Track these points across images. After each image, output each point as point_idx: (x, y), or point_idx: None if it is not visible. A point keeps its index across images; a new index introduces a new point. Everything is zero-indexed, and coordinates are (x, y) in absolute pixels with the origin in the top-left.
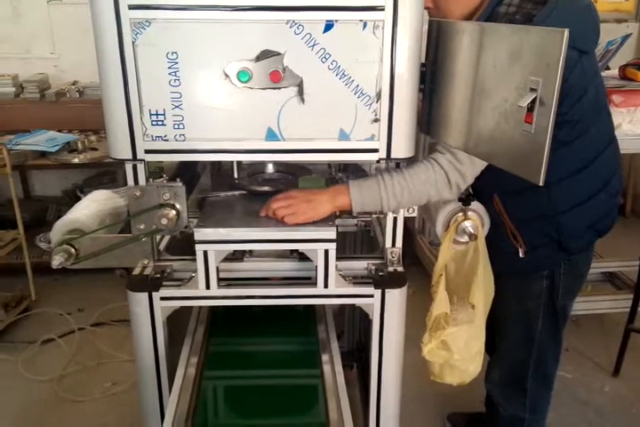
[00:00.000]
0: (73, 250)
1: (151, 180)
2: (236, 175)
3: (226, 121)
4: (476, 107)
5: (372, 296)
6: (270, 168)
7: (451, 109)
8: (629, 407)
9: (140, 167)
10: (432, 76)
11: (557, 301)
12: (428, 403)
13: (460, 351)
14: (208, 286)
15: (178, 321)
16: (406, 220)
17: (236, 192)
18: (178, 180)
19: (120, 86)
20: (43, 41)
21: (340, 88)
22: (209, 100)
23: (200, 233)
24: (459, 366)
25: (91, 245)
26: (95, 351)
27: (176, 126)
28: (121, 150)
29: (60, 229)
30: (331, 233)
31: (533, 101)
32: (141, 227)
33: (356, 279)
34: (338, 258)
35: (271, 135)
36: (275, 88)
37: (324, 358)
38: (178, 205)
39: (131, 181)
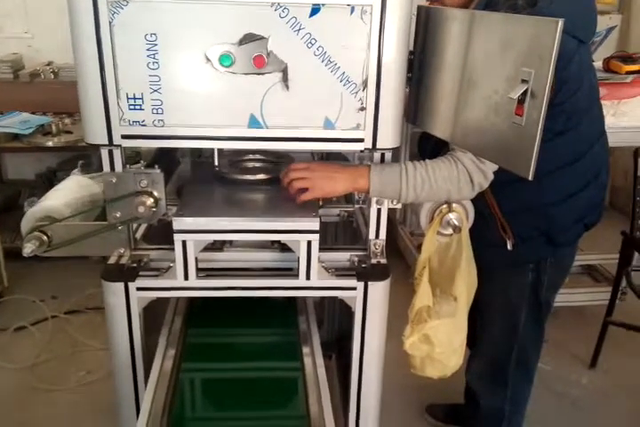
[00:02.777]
0: (45, 237)
1: (128, 166)
2: (216, 163)
3: (207, 107)
4: (464, 97)
5: (354, 289)
6: (252, 156)
7: (439, 99)
8: (606, 400)
9: (117, 153)
10: (420, 64)
11: (541, 294)
12: (406, 394)
13: (441, 345)
14: (187, 277)
15: (155, 311)
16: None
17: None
18: (156, 166)
19: (96, 68)
20: (16, 20)
21: (326, 75)
22: (189, 85)
23: (179, 222)
24: (440, 360)
25: (64, 232)
26: (69, 340)
27: (154, 111)
28: (96, 135)
29: (32, 216)
30: (314, 224)
31: (524, 93)
32: (117, 215)
33: (339, 271)
34: (320, 249)
35: (254, 122)
36: (258, 73)
37: (305, 350)
38: (156, 193)
39: (107, 167)
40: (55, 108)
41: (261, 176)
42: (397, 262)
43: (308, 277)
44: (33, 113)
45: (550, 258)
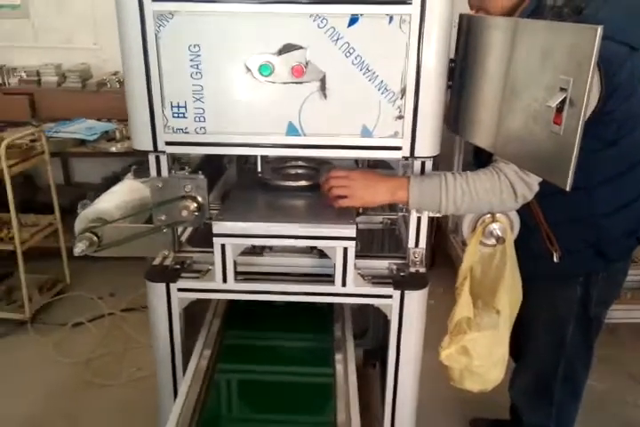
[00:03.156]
0: (95, 238)
1: (173, 171)
2: (259, 169)
3: (246, 115)
4: (505, 106)
5: (390, 297)
6: (295, 162)
7: (479, 108)
8: None
9: (163, 159)
10: (461, 72)
11: (591, 309)
12: (450, 407)
13: (480, 358)
14: (225, 280)
15: (197, 312)
16: (440, 218)
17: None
18: (200, 172)
19: (142, 78)
20: (85, 31)
21: (364, 84)
22: (230, 94)
23: (218, 226)
24: (479, 373)
25: (113, 234)
26: (123, 336)
27: (197, 119)
28: (142, 142)
29: (84, 217)
30: (350, 231)
31: (563, 102)
32: (163, 218)
33: (376, 279)
34: (359, 256)
35: (292, 130)
36: (297, 83)
37: (338, 357)
38: (199, 198)
39: (153, 173)
40: (120, 116)
41: (303, 183)
42: (448, 271)
43: (343, 284)
44: (98, 120)
45: (602, 272)
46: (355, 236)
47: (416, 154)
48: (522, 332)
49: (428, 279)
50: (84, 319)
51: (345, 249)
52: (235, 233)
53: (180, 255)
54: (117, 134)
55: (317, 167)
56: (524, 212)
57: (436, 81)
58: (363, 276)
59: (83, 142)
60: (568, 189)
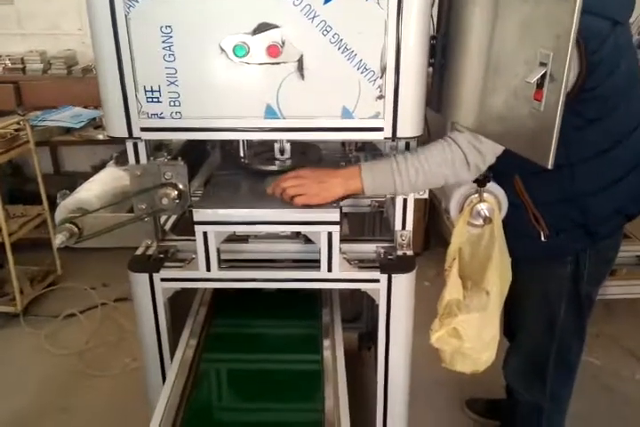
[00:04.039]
0: (76, 229)
1: (152, 158)
2: (242, 154)
3: (223, 98)
4: (486, 83)
5: (377, 281)
6: (279, 146)
7: (461, 86)
8: None
9: (141, 145)
10: (443, 49)
11: (582, 287)
12: (445, 388)
13: (471, 340)
14: (208, 268)
15: (184, 301)
16: (433, 198)
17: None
18: (179, 158)
19: (114, 62)
20: (71, 17)
21: (343, 63)
22: (205, 77)
23: (199, 213)
24: (470, 355)
25: (94, 224)
26: (117, 327)
27: (172, 103)
28: (117, 128)
29: (64, 208)
30: (334, 215)
31: (543, 77)
32: (143, 206)
33: (363, 263)
34: (345, 240)
35: (270, 113)
36: (273, 63)
37: (326, 343)
38: (180, 185)
39: (132, 160)
40: None
41: (287, 166)
42: (443, 252)
43: (329, 269)
44: (85, 107)
45: (589, 250)
46: (339, 220)
47: (398, 135)
48: (513, 312)
49: (416, 262)
50: (76, 311)
51: (329, 234)
52: (216, 220)
53: (164, 244)
54: (104, 121)
55: (302, 151)
56: (510, 191)
57: (417, 59)
58: (349, 260)
59: (69, 130)
60: (550, 166)
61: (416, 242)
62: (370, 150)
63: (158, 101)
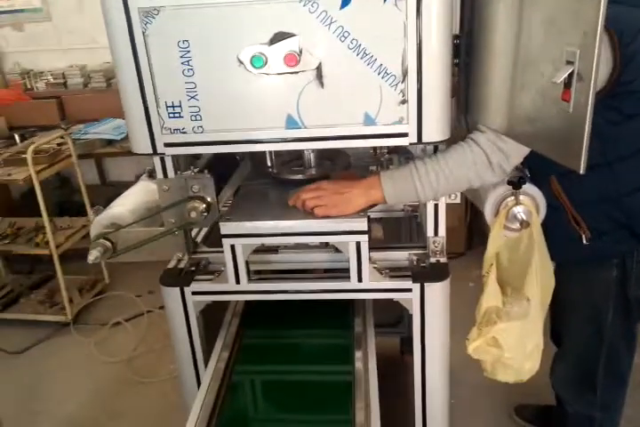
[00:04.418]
0: (110, 244)
1: (179, 172)
2: (269, 163)
3: (243, 110)
4: (513, 83)
5: (410, 291)
6: (306, 155)
7: (487, 86)
8: None
9: (168, 160)
10: (468, 49)
11: (630, 291)
12: (493, 394)
13: (511, 349)
14: (238, 281)
15: (217, 312)
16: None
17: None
18: (205, 171)
19: (134, 79)
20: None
21: (362, 68)
22: (224, 89)
23: (226, 227)
24: (512, 365)
25: (127, 238)
26: (162, 333)
27: (193, 118)
28: (141, 145)
29: (98, 223)
30: (362, 224)
31: (570, 76)
32: (172, 220)
33: (394, 272)
34: (376, 248)
35: (291, 123)
36: (291, 73)
37: (358, 354)
38: (208, 197)
39: (160, 174)
40: None
41: (313, 175)
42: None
43: (359, 280)
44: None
45: (636, 252)
46: (367, 229)
47: (424, 139)
48: (558, 319)
49: (449, 270)
50: (122, 319)
51: (358, 244)
52: (243, 233)
53: (196, 257)
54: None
55: (330, 158)
56: (547, 192)
57: (440, 60)
58: (379, 270)
59: (111, 142)
60: (582, 171)
61: (459, 241)
62: (402, 153)
63: (180, 116)
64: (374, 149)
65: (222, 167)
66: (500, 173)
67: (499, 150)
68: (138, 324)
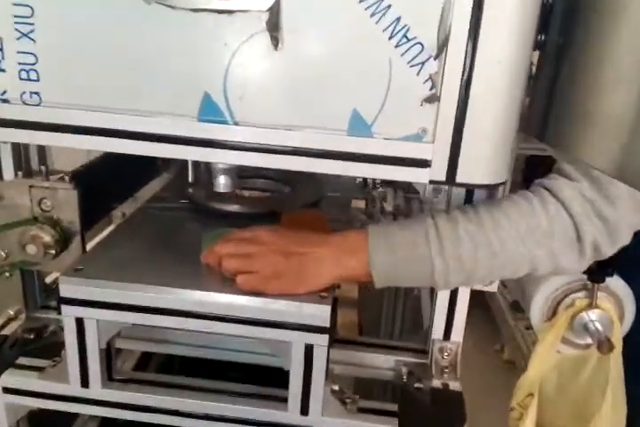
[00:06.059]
0: None
1: (20, 174)
2: (190, 179)
3: (121, 75)
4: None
5: None
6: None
7: (595, 105)
8: None
9: (5, 149)
10: (559, 51)
11: None
12: None
13: None
14: (86, 383)
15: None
16: None
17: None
18: (66, 177)
19: None
20: None
21: (358, 22)
22: (89, 29)
23: (66, 286)
24: None
25: None
26: None
27: (23, 74)
28: None
29: None
30: (321, 313)
31: None
32: (2, 253)
33: (367, 402)
34: (339, 343)
35: (209, 109)
36: (221, 11)
37: None
38: (64, 222)
39: None
40: None
41: (246, 207)
42: (482, 314)
43: (303, 411)
44: None
45: None
46: (329, 325)
47: (460, 178)
48: None
49: (466, 411)
50: None
51: (308, 349)
52: (98, 299)
53: (39, 316)
54: None
55: (288, 181)
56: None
57: (515, 27)
58: (342, 396)
59: None
60: None
61: None
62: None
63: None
64: (364, 179)
65: (118, 173)
66: (592, 258)
67: (597, 217)
68: None
